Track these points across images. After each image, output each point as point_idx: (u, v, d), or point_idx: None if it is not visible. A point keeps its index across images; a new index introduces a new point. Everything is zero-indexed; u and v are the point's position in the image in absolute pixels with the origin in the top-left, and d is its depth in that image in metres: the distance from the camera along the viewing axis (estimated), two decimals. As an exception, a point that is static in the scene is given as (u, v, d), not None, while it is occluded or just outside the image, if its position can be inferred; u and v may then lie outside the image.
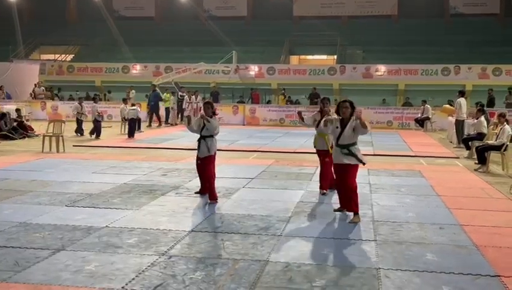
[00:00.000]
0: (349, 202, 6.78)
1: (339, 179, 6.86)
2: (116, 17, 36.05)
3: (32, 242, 5.67)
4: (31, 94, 27.77)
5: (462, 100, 15.76)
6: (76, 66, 30.04)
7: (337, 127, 6.72)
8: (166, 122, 23.23)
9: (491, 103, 21.81)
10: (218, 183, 8.09)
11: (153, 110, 22.39)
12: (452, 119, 16.64)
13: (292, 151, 13.98)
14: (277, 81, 27.63)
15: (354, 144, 6.69)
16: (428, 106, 21.49)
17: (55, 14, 36.47)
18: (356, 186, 6.78)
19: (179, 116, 23.76)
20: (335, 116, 6.88)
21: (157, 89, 22.88)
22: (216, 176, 7.95)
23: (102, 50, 32.44)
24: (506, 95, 22.63)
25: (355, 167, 6.74)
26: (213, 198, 7.71)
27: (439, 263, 5.18)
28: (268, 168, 10.90)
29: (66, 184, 8.91)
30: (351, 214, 6.81)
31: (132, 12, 37.49)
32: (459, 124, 15.80)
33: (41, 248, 5.47)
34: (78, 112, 17.74)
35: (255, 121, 24.00)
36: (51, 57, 33.44)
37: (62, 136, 13.63)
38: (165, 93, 23.68)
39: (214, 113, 7.77)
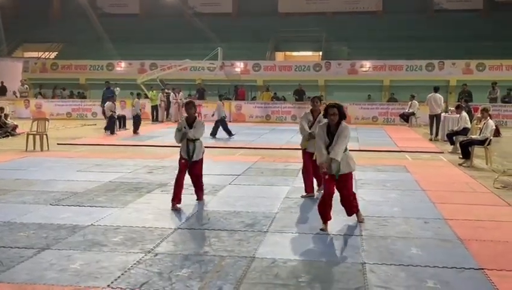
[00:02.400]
0: (352, 208, 6.44)
1: (339, 190, 6.25)
2: (100, 14, 35.64)
3: (17, 241, 5.61)
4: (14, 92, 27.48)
5: (433, 96, 16.53)
6: (60, 64, 29.71)
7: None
8: (156, 120, 23.21)
9: (468, 97, 21.96)
10: (204, 180, 8.05)
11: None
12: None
13: (278, 147, 14.00)
14: (263, 77, 27.59)
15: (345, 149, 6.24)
16: (416, 102, 21.64)
17: (38, 11, 35.96)
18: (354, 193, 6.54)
19: (166, 113, 23.88)
20: (325, 120, 6.33)
21: (111, 86, 22.03)
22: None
23: (86, 47, 32.06)
24: (490, 90, 22.91)
25: (351, 173, 6.40)
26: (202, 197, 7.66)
27: (423, 257, 5.23)
28: (254, 165, 10.91)
29: (50, 183, 8.84)
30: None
31: (116, 9, 37.14)
32: (432, 119, 16.54)
33: (26, 247, 5.43)
34: (112, 111, 17.88)
35: (241, 118, 24.02)
36: (34, 54, 32.99)
37: (46, 134, 13.50)
38: (150, 91, 23.58)
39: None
